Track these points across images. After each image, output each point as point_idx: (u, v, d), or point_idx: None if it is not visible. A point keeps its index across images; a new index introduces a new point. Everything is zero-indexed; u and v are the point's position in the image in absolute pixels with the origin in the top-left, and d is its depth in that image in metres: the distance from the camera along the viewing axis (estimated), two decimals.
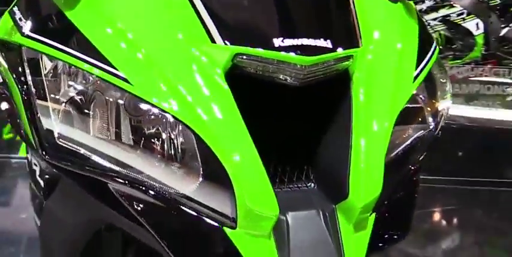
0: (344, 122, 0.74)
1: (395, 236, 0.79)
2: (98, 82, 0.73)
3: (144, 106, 0.70)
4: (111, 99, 0.72)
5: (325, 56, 0.71)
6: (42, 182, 0.85)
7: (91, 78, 0.73)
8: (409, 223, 0.86)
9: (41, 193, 0.86)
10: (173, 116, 0.69)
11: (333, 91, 0.78)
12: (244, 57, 0.70)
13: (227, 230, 0.66)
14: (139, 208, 0.69)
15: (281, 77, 0.71)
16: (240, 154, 0.67)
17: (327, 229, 0.71)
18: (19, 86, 0.77)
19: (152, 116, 0.70)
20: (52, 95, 0.75)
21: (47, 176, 0.84)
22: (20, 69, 0.78)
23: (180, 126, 0.69)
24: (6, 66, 0.82)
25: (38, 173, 0.86)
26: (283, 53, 0.71)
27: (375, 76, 0.76)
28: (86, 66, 0.72)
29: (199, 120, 0.68)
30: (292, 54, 0.70)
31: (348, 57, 0.75)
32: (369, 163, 0.73)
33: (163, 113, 0.69)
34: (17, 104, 0.78)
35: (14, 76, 0.78)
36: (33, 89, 0.76)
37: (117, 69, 0.71)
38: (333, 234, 0.70)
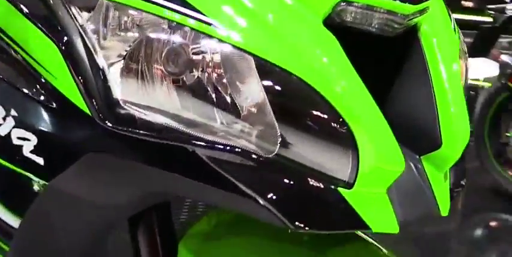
0: (420, 71, 0.70)
1: (460, 187, 0.75)
2: (165, 30, 0.63)
3: (236, 56, 0.61)
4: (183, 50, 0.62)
5: (421, 5, 0.68)
6: (39, 160, 0.73)
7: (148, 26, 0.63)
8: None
9: (36, 173, 0.75)
10: (282, 69, 0.60)
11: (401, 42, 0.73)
12: (347, 5, 0.65)
13: (342, 190, 0.60)
14: (231, 170, 0.60)
15: (378, 26, 0.67)
16: (361, 107, 0.61)
17: (422, 181, 0.67)
18: (56, 42, 0.66)
19: (248, 69, 0.61)
20: (108, 52, 0.65)
21: (52, 152, 0.73)
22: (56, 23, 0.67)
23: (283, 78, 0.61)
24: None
25: (30, 148, 0.73)
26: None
27: (435, 28, 0.73)
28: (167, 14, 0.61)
29: (310, 68, 0.60)
30: (397, 2, 0.65)
31: (427, 9, 0.72)
32: (457, 108, 0.70)
33: (266, 64, 0.60)
34: (53, 65, 0.67)
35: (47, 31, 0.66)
36: (79, 46, 0.65)
37: (207, 17, 0.61)
38: (427, 187, 0.67)
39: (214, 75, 0.61)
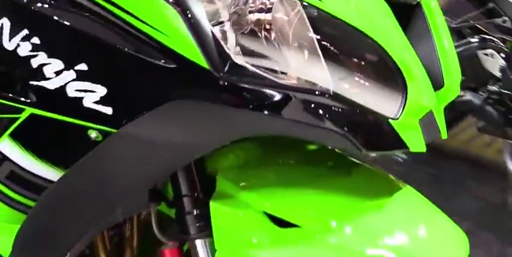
0: (424, 30, 0.85)
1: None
2: None
3: None
4: None
5: None
6: (106, 109, 0.81)
7: None
8: None
9: (100, 122, 0.82)
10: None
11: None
12: None
13: (392, 121, 0.76)
14: (312, 108, 0.74)
15: None
16: (405, 50, 0.78)
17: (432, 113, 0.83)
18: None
19: None
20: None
21: (125, 101, 0.81)
22: None
23: None
24: None
25: (95, 99, 0.81)
26: None
27: None
28: None
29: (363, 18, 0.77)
30: None
31: None
32: (453, 58, 0.88)
33: None
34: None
35: None
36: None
37: None
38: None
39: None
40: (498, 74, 1.97)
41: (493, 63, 1.99)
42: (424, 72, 0.80)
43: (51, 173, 0.96)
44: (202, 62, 0.73)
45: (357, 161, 1.00)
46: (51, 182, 0.97)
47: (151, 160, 0.83)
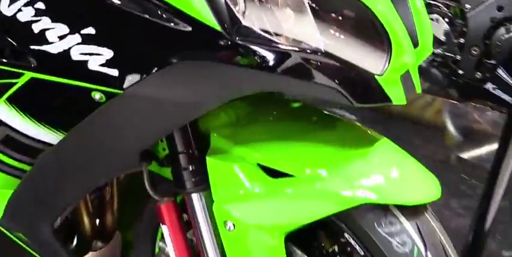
0: None
1: None
2: None
3: None
4: None
5: None
6: (112, 71, 0.85)
7: None
8: None
9: (106, 83, 0.86)
10: None
11: None
12: None
13: (377, 77, 0.83)
14: (308, 65, 0.81)
15: None
16: (389, 10, 0.84)
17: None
18: None
19: None
20: None
21: (131, 63, 0.85)
22: None
23: None
24: None
25: (101, 62, 0.85)
26: None
27: None
28: None
29: None
30: None
31: None
32: (426, 21, 0.96)
33: None
34: None
35: None
36: None
37: None
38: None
39: None
40: (443, 38, 2.10)
41: (438, 27, 2.11)
42: (405, 31, 0.88)
43: (49, 136, 1.00)
44: (215, 24, 0.79)
45: (338, 116, 1.09)
46: (49, 145, 1.01)
47: (155, 119, 0.89)
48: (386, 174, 0.94)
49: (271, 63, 0.79)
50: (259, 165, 0.96)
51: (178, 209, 1.08)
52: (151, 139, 0.95)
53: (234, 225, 0.98)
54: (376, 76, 0.84)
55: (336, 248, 1.18)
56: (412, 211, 0.95)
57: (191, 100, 0.85)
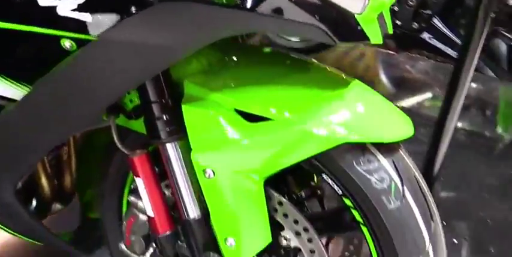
0: None
1: None
2: None
3: None
4: None
5: None
6: (85, 16, 0.81)
7: None
8: None
9: (76, 29, 0.82)
10: None
11: None
12: None
13: (357, 16, 0.83)
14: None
15: None
16: None
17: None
18: None
19: None
20: None
21: (105, 6, 0.81)
22: None
23: None
24: None
25: (72, 7, 0.81)
26: None
27: None
28: None
29: None
30: None
31: None
32: None
33: None
34: None
35: None
36: None
37: None
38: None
39: None
40: None
41: None
42: None
43: (11, 91, 0.94)
44: None
45: (310, 60, 1.09)
46: (12, 101, 0.95)
47: (130, 66, 0.85)
48: (362, 114, 0.96)
49: (253, 2, 0.77)
50: (236, 110, 0.95)
51: (151, 161, 1.06)
52: (125, 88, 0.91)
53: (213, 172, 0.97)
54: (356, 15, 0.84)
55: (310, 191, 1.21)
56: (388, 149, 0.98)
57: (170, 44, 0.82)
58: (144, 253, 1.18)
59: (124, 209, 1.30)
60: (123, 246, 1.20)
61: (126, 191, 1.27)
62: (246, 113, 0.95)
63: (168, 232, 1.08)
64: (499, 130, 3.51)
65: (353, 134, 0.92)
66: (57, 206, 1.41)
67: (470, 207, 2.22)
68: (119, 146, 1.07)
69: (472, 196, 2.35)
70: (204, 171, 0.98)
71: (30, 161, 1.06)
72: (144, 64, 0.85)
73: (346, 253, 1.27)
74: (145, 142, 1.14)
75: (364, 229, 1.01)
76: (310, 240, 1.05)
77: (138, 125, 1.09)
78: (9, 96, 0.95)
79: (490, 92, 3.34)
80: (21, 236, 1.25)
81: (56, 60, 0.86)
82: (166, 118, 0.98)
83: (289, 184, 1.20)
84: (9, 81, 0.92)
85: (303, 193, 1.22)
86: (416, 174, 1.01)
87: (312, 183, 1.23)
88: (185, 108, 0.96)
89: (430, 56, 3.17)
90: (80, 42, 0.84)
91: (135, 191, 1.13)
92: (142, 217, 1.14)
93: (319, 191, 1.22)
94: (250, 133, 0.94)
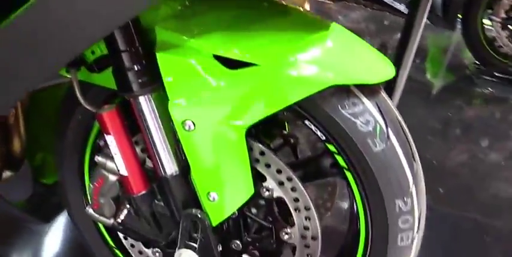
0: None
1: None
2: None
3: None
4: None
5: None
6: None
7: None
8: None
9: None
10: None
11: None
12: None
13: None
14: None
15: None
16: None
17: None
18: None
19: None
20: None
21: None
22: None
23: None
24: None
25: None
26: None
27: None
28: None
29: None
30: None
31: None
32: None
33: None
34: None
35: None
36: None
37: None
38: None
39: None
40: None
41: None
42: None
43: None
44: None
45: (289, 5, 1.03)
46: None
47: (99, 13, 0.76)
48: (346, 56, 0.93)
49: None
50: (214, 57, 0.89)
51: (121, 116, 0.98)
52: (93, 38, 0.81)
53: (193, 124, 0.92)
54: None
55: (282, 140, 1.18)
56: (370, 91, 0.96)
57: None
58: (114, 215, 1.11)
59: (86, 171, 1.22)
60: (90, 210, 1.12)
61: (88, 151, 1.19)
62: (224, 60, 0.89)
63: (143, 191, 1.02)
64: (428, 76, 3.63)
65: (339, 76, 0.88)
66: (7, 173, 1.31)
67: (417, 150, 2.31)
68: (83, 102, 0.98)
69: (416, 138, 2.44)
70: (184, 123, 0.92)
71: None
72: (112, 10, 0.76)
73: (320, 201, 1.27)
74: (108, 97, 1.07)
75: (348, 174, 1.00)
76: (293, 189, 1.02)
77: (102, 79, 1.01)
78: None
79: (421, 40, 3.43)
80: None
81: (15, 8, 0.76)
82: (137, 68, 0.90)
83: (260, 134, 1.16)
84: None
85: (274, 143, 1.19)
86: (397, 115, 1.00)
87: (284, 132, 1.21)
88: (160, 56, 0.89)
89: (367, 4, 3.20)
90: None
91: (102, 151, 1.06)
92: (112, 178, 1.06)
93: (292, 140, 1.20)
94: (232, 80, 0.89)
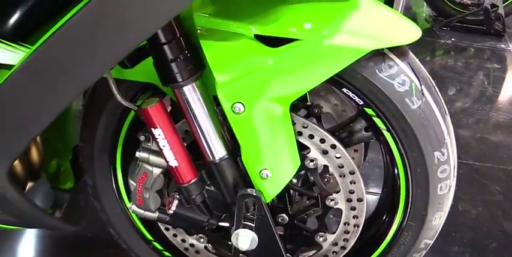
0: None
1: None
2: None
3: None
4: None
5: None
6: None
7: None
8: None
9: None
10: None
11: None
12: None
13: None
14: None
15: None
16: None
17: None
18: None
19: None
20: None
21: None
22: None
23: None
24: None
25: None
26: None
27: None
28: None
29: None
30: None
31: None
32: None
33: None
34: None
35: None
36: None
37: None
38: None
39: None
40: None
41: None
42: None
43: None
44: None
45: None
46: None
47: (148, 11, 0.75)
48: (376, 22, 0.96)
49: None
50: (256, 37, 0.91)
51: (165, 108, 0.98)
52: (142, 36, 0.80)
53: (244, 105, 0.93)
54: None
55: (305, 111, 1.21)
56: (401, 52, 1.00)
57: None
58: (160, 209, 1.12)
59: (118, 169, 1.21)
60: (134, 207, 1.12)
61: (119, 148, 1.18)
62: (266, 38, 0.91)
63: (194, 179, 1.03)
64: None
65: (376, 42, 0.92)
66: (29, 184, 1.28)
67: None
68: (123, 102, 0.97)
69: None
70: (233, 106, 0.93)
71: (32, 134, 0.93)
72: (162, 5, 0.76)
73: None
74: (140, 90, 1.07)
75: (387, 135, 1.04)
76: (338, 157, 1.06)
77: (135, 73, 1.00)
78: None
79: None
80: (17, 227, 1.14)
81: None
82: (180, 59, 0.90)
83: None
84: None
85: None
86: (426, 72, 1.05)
87: (307, 103, 1.24)
88: (204, 43, 0.89)
89: None
90: None
91: (141, 146, 1.06)
92: (157, 171, 1.07)
93: (316, 110, 1.23)
94: (276, 58, 0.91)
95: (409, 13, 4.20)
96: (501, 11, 3.72)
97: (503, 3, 3.77)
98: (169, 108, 1.05)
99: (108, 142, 1.16)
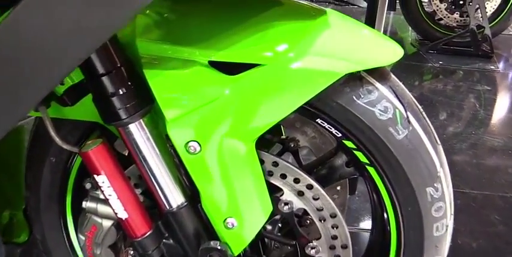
0: None
1: None
2: None
3: None
4: None
5: None
6: None
7: None
8: None
9: None
10: None
11: None
12: None
13: None
14: None
15: None
16: None
17: None
18: None
19: None
20: None
21: None
22: None
23: None
24: None
25: None
26: None
27: None
28: None
29: None
30: None
31: None
32: None
33: None
34: None
35: None
36: None
37: None
38: None
39: None
40: None
41: None
42: None
43: None
44: None
45: None
46: None
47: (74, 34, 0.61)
48: (351, 42, 0.83)
49: None
50: (210, 64, 0.77)
51: (110, 150, 0.84)
52: (74, 61, 0.66)
53: (199, 144, 0.79)
54: None
55: (281, 146, 1.08)
56: (381, 75, 0.87)
57: None
58: None
59: (69, 221, 1.06)
60: None
61: (68, 198, 1.03)
62: (222, 65, 0.78)
63: (149, 232, 0.88)
64: None
65: (352, 63, 0.79)
66: None
67: None
68: (60, 143, 0.83)
69: None
70: (187, 146, 0.80)
71: None
72: (96, 23, 0.62)
73: None
74: (85, 131, 0.93)
75: (371, 169, 0.90)
76: (315, 197, 0.92)
77: (76, 112, 0.87)
78: None
79: None
80: None
81: None
82: (123, 92, 0.77)
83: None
84: None
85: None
86: (411, 96, 0.92)
87: (282, 137, 1.10)
88: (148, 73, 0.76)
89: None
90: None
91: (88, 195, 0.91)
92: (107, 224, 0.92)
93: (292, 144, 1.09)
94: (235, 87, 0.78)
95: (395, 38, 4.14)
96: (488, 32, 3.64)
97: (490, 24, 3.70)
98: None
99: (55, 190, 1.01)
